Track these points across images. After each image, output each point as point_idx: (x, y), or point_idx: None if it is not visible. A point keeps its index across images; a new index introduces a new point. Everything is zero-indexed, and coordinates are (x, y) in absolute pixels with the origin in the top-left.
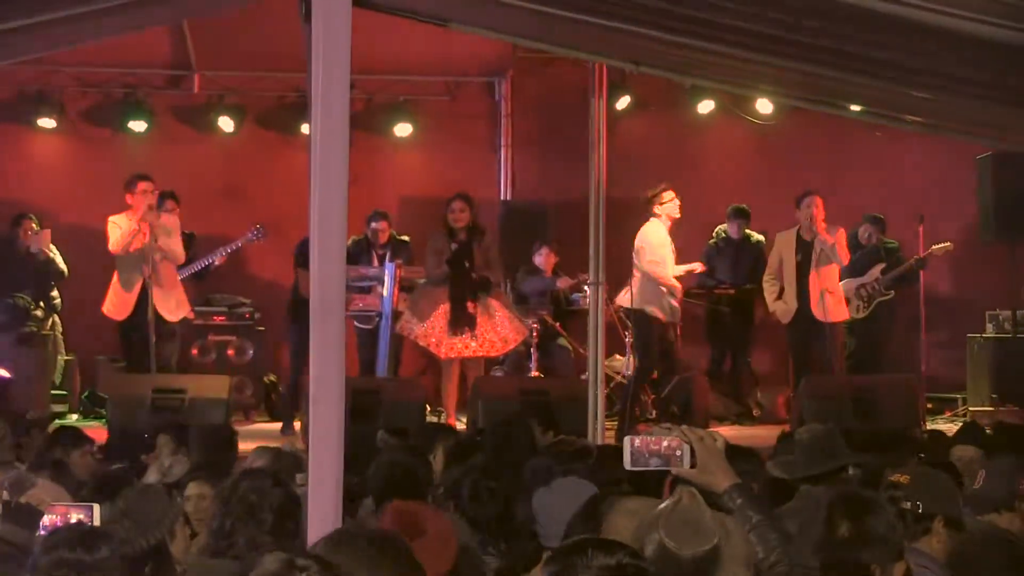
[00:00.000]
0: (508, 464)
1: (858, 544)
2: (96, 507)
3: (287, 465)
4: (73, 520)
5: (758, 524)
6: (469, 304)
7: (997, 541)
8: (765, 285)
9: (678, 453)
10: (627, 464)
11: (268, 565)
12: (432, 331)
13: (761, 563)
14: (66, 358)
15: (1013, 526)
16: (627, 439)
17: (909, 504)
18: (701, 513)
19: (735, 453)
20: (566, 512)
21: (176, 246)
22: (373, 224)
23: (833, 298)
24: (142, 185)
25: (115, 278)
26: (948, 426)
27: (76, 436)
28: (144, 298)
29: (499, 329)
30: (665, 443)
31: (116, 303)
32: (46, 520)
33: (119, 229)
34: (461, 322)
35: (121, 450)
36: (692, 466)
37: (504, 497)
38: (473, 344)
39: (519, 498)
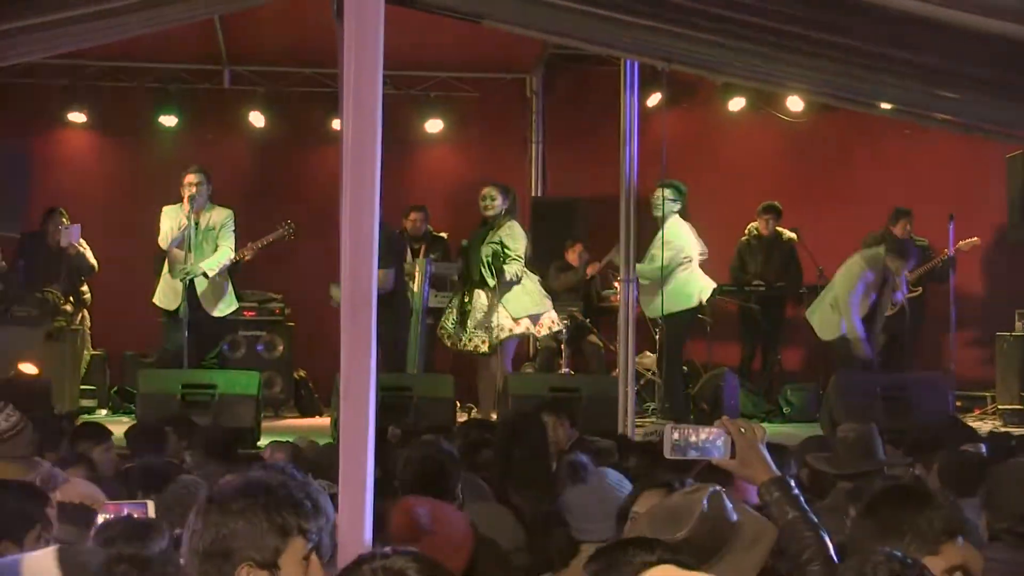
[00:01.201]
0: (520, 460)
1: (892, 537)
2: (151, 504)
3: (303, 460)
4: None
5: (793, 520)
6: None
7: None
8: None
9: (718, 444)
10: (667, 453)
11: None
12: None
13: (794, 559)
14: (93, 353)
15: None
16: (667, 428)
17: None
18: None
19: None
20: (603, 507)
21: (224, 240)
22: (412, 215)
23: None
24: (189, 177)
25: (165, 268)
26: (978, 424)
27: (98, 431)
28: (194, 294)
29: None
30: (704, 434)
31: (166, 293)
32: (100, 520)
33: (168, 221)
34: None
35: (140, 445)
36: (731, 457)
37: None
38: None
39: (544, 492)
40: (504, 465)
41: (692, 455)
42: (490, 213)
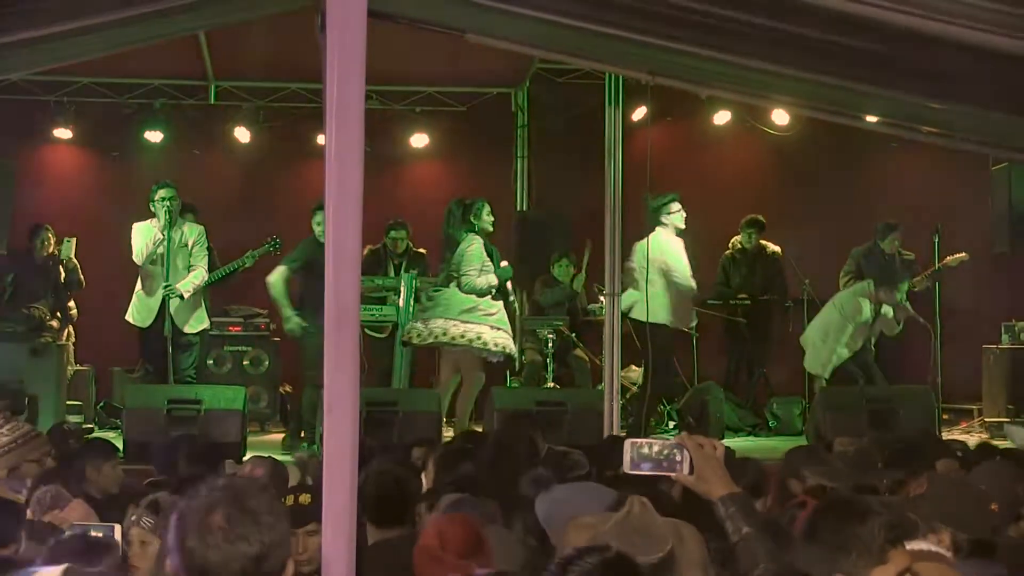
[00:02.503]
0: (505, 474)
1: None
2: (118, 527)
3: (282, 476)
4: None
5: (747, 536)
6: None
7: None
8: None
9: (677, 459)
10: (626, 467)
11: None
12: None
13: (745, 574)
14: (78, 368)
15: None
16: (627, 442)
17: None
18: (652, 520)
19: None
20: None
21: (197, 259)
22: (392, 233)
23: None
24: (161, 192)
25: (138, 285)
26: (964, 437)
27: (106, 448)
28: (167, 311)
29: None
30: (663, 448)
31: (140, 311)
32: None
33: (142, 238)
34: None
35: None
36: (690, 472)
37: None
38: None
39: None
40: (492, 481)
41: (651, 468)
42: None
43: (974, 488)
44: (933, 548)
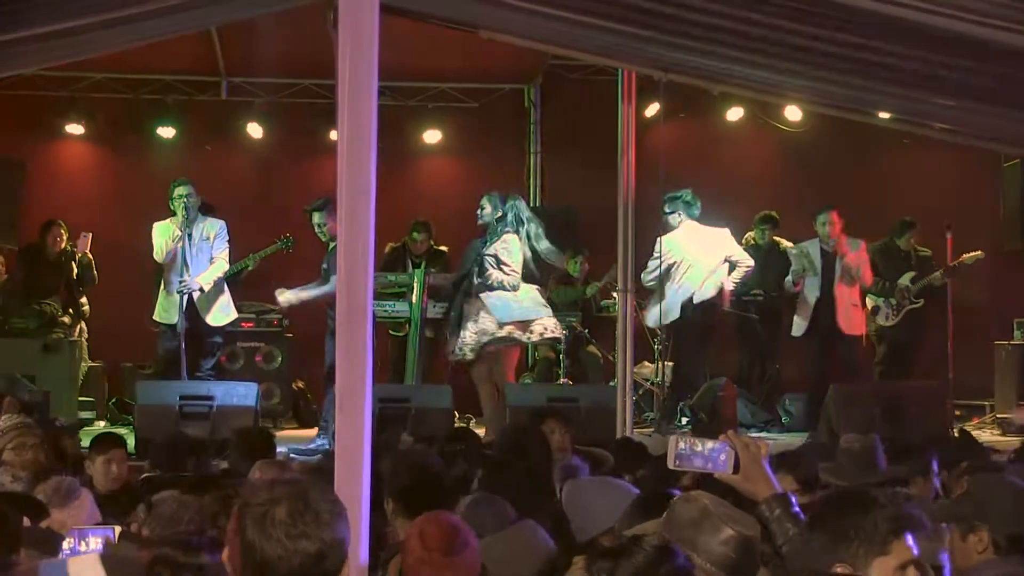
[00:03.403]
0: (518, 470)
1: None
2: (117, 529)
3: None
4: (92, 543)
5: (793, 537)
6: None
7: None
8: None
9: (722, 458)
10: (670, 463)
11: None
12: None
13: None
14: (90, 364)
15: None
16: (672, 438)
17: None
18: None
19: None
20: (611, 510)
21: (217, 252)
22: (415, 235)
23: (856, 311)
24: (179, 190)
25: (162, 285)
26: (976, 433)
27: (108, 442)
28: (191, 303)
29: None
30: (709, 446)
31: (166, 308)
32: (65, 544)
33: (161, 236)
34: None
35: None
36: (735, 471)
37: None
38: None
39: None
40: (500, 477)
41: (697, 465)
42: (479, 222)
43: (1013, 485)
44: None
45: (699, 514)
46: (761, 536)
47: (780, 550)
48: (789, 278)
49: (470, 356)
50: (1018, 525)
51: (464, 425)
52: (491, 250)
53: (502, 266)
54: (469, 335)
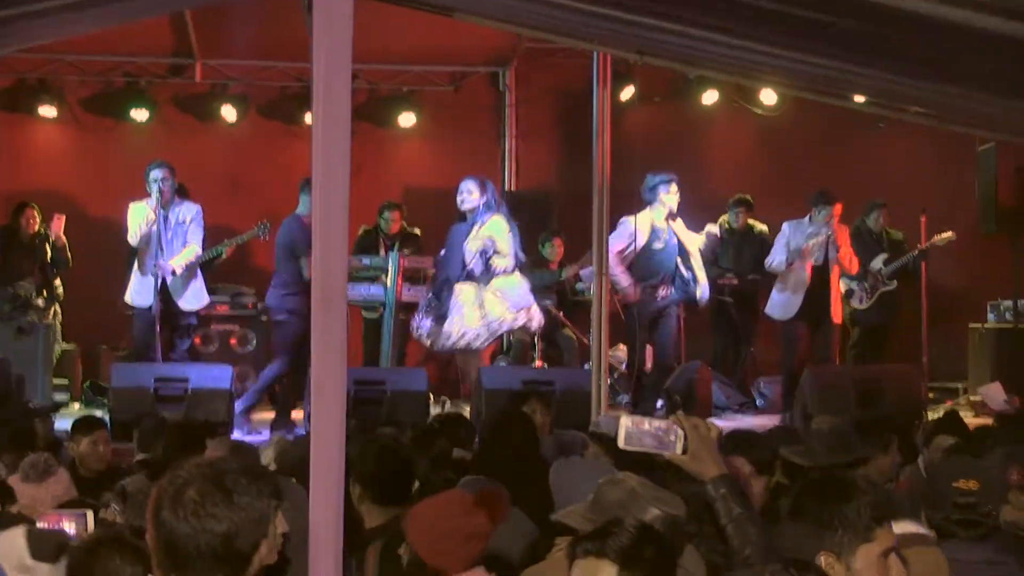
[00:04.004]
0: (504, 455)
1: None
2: (90, 513)
3: (248, 457)
4: (66, 526)
5: (738, 517)
6: None
7: None
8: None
9: (671, 438)
10: (620, 443)
11: None
12: None
13: (736, 556)
14: (64, 347)
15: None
16: (623, 419)
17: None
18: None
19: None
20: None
21: (192, 236)
22: (386, 214)
23: (835, 296)
24: (155, 173)
25: (135, 266)
26: None
27: (92, 424)
28: (164, 287)
29: None
30: (659, 426)
31: (139, 292)
32: (40, 525)
33: (136, 218)
34: None
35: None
36: (683, 452)
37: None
38: None
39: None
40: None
41: (647, 445)
42: (466, 207)
43: None
44: (921, 531)
45: (626, 496)
46: (704, 516)
47: (725, 529)
48: (782, 257)
49: (479, 344)
50: None
51: (456, 411)
52: (486, 235)
53: (499, 252)
54: (471, 323)
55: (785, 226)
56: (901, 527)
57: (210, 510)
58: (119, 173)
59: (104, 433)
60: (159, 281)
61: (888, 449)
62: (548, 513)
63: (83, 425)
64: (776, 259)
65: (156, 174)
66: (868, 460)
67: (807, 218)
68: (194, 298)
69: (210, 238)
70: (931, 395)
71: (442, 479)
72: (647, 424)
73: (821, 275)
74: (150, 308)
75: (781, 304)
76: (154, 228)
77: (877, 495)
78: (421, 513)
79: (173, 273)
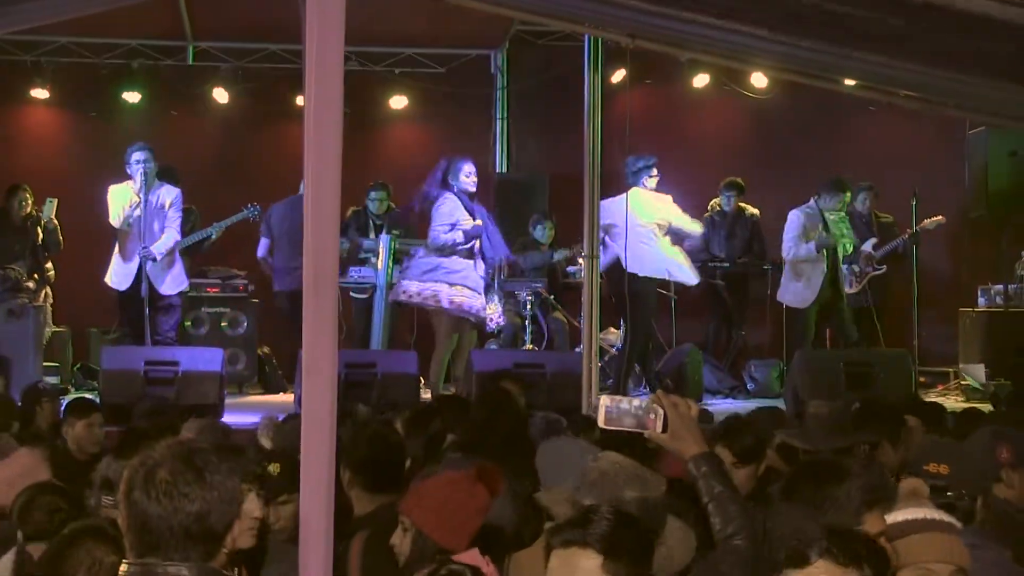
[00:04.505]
0: (495, 436)
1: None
2: None
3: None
4: None
5: (719, 495)
6: None
7: None
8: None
9: (651, 416)
10: (601, 422)
11: None
12: None
13: (718, 534)
14: (55, 330)
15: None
16: (602, 398)
17: (952, 493)
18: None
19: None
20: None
21: (171, 222)
22: (373, 195)
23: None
24: (136, 155)
25: (116, 248)
26: (941, 399)
27: (87, 406)
28: (143, 270)
29: None
30: (639, 405)
31: (117, 274)
32: None
33: (118, 201)
34: None
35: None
36: (664, 430)
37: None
38: None
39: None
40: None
41: (627, 424)
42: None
43: None
44: (939, 517)
45: (604, 475)
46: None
47: (707, 508)
48: (810, 247)
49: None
50: None
51: (450, 392)
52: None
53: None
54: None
55: (795, 214)
56: (918, 512)
57: (182, 489)
58: (111, 155)
59: (99, 416)
60: (144, 264)
61: (897, 443)
62: (535, 492)
63: (78, 408)
64: (801, 249)
65: (137, 156)
66: (877, 445)
67: (812, 203)
68: (173, 283)
69: (205, 220)
70: (922, 379)
71: (438, 461)
72: (626, 403)
73: (834, 261)
74: (127, 290)
75: (796, 292)
76: (137, 212)
77: (870, 478)
78: (428, 492)
79: (154, 259)
